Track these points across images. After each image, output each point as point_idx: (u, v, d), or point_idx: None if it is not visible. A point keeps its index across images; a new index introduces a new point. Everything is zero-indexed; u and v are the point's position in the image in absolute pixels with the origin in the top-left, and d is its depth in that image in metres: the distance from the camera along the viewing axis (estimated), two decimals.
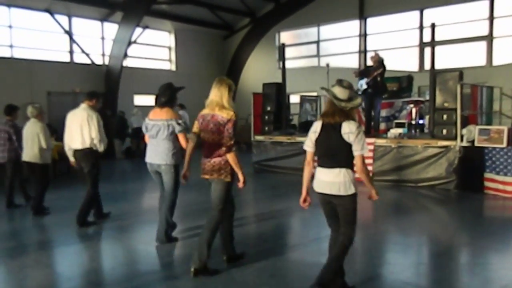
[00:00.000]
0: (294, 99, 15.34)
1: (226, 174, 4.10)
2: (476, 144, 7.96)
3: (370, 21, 16.84)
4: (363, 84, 9.77)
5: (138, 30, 16.50)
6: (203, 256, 4.07)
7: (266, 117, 11.66)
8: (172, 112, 5.01)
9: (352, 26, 17.14)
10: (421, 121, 10.93)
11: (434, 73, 8.91)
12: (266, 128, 11.53)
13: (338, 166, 3.42)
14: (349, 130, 3.36)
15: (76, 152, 6.03)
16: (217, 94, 4.10)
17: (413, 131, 10.38)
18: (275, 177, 10.22)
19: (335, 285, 3.59)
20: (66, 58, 15.60)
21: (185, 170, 4.44)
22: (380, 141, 9.22)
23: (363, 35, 16.96)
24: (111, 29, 16.30)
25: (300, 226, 6.53)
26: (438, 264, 4.64)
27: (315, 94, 15.21)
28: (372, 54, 10.05)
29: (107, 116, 14.60)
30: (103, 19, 16.39)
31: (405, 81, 11.70)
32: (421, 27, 15.28)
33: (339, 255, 3.52)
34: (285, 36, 18.92)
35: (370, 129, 10.10)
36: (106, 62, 16.24)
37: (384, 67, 9.57)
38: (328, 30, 17.99)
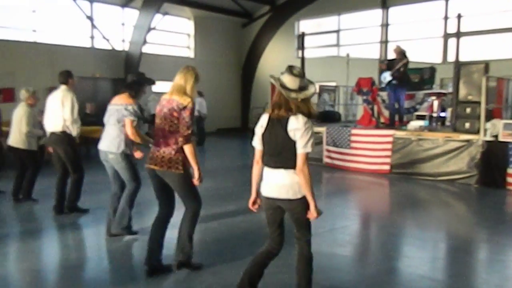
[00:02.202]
0: None
1: (177, 165, 3.65)
2: (500, 138, 7.76)
3: (393, 10, 16.50)
4: (386, 76, 9.75)
5: (158, 16, 16.51)
6: (186, 248, 3.83)
7: None
8: (127, 98, 4.61)
9: (374, 16, 16.82)
10: (442, 114, 10.73)
11: (459, 65, 8.70)
12: None
13: (284, 166, 2.93)
14: (295, 126, 2.86)
15: (50, 136, 5.74)
16: (182, 79, 3.71)
17: (434, 123, 10.21)
18: None
19: None
20: (87, 44, 15.72)
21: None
22: (400, 133, 9.07)
23: (385, 25, 16.65)
24: (132, 15, 16.35)
25: (319, 220, 6.46)
26: (456, 259, 4.56)
27: (333, 84, 15.05)
28: (394, 46, 10.00)
29: None
30: (123, 5, 16.43)
31: (427, 73, 11.47)
32: (445, 18, 14.91)
33: (305, 268, 3.07)
34: (305, 25, 18.69)
35: (394, 122, 10.04)
36: (126, 48, 16.33)
37: (407, 58, 9.57)
38: (349, 19, 17.70)
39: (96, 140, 4.99)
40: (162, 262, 3.92)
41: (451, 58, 13.41)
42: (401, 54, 9.64)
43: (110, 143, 4.60)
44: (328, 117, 12.35)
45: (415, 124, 9.50)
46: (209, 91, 16.13)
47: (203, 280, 3.78)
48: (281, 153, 2.94)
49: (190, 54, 19.00)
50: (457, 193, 7.80)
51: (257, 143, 3.08)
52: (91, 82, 15.18)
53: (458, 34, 9.05)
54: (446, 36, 14.78)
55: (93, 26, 15.73)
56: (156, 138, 3.78)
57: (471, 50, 12.88)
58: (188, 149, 3.65)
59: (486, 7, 14.25)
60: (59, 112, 5.59)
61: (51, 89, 6.89)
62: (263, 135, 3.02)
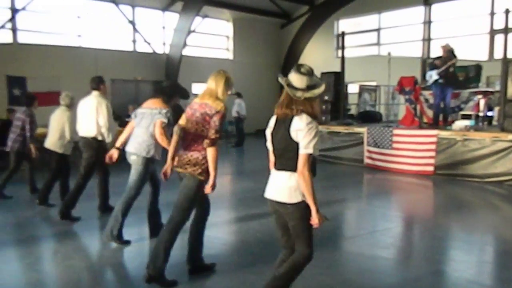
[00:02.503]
0: (353, 88, 15.01)
1: (201, 170, 3.61)
2: None
3: (436, 7, 16.02)
4: (432, 75, 9.52)
5: (198, 19, 16.76)
6: (159, 260, 3.59)
7: (324, 106, 11.51)
8: (162, 103, 4.61)
9: (415, 13, 16.39)
10: (489, 113, 10.34)
11: (507, 62, 8.35)
12: (324, 118, 11.39)
13: (286, 168, 2.81)
14: (298, 126, 2.72)
15: (81, 139, 5.77)
16: (213, 83, 3.69)
17: (480, 123, 9.84)
18: (331, 168, 10.05)
19: None
20: (129, 47, 16.16)
21: (167, 166, 3.83)
22: (444, 133, 8.80)
23: (428, 22, 16.19)
24: (172, 18, 16.68)
25: (357, 217, 6.39)
26: (505, 264, 4.37)
27: (374, 83, 14.81)
28: (443, 44, 9.73)
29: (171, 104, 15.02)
30: (164, 8, 16.79)
31: (472, 71, 11.09)
32: (492, 13, 14.34)
33: (287, 271, 2.87)
34: (344, 24, 18.46)
35: (438, 121, 9.78)
36: (167, 51, 16.67)
37: (456, 57, 9.36)
38: (389, 17, 17.34)
39: None
40: (204, 261, 3.97)
41: (498, 55, 12.90)
42: (450, 52, 9.40)
43: (139, 145, 4.55)
44: (369, 117, 12.17)
45: (460, 123, 9.19)
46: (248, 92, 16.21)
47: (245, 280, 3.80)
48: (283, 155, 2.82)
49: (229, 56, 19.18)
50: (505, 195, 7.48)
51: (269, 144, 2.99)
52: (133, 84, 15.60)
53: (506, 30, 8.70)
54: (493, 32, 14.21)
55: (135, 30, 16.16)
56: (186, 142, 3.73)
57: None
58: (211, 152, 3.58)
59: None
60: (93, 119, 5.60)
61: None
62: (272, 136, 2.93)
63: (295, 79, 2.83)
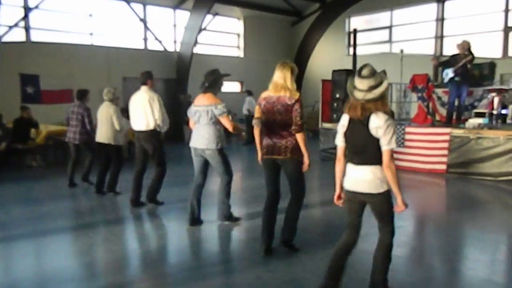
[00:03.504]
0: None
1: (298, 153, 4.17)
2: None
3: (449, 4, 15.85)
4: (449, 72, 9.41)
5: (209, 17, 16.76)
6: (293, 232, 4.37)
7: (335, 104, 11.42)
8: (213, 98, 5.04)
9: (428, 10, 16.22)
10: (503, 111, 10.17)
11: None
12: (335, 116, 11.30)
13: (367, 163, 3.13)
14: (377, 124, 3.03)
15: (139, 133, 6.15)
16: (281, 76, 4.17)
17: (494, 121, 9.71)
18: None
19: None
20: (141, 45, 16.22)
21: (260, 155, 4.42)
22: (457, 132, 8.71)
23: (441, 20, 16.02)
24: (183, 16, 16.71)
25: (369, 216, 6.34)
26: None
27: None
28: (459, 41, 9.60)
29: (179, 100, 15.05)
30: (175, 6, 16.82)
31: (486, 68, 10.94)
32: (506, 10, 14.15)
33: (383, 252, 3.33)
34: (356, 21, 18.35)
35: (451, 119, 9.67)
36: (178, 49, 16.70)
37: (472, 54, 9.24)
38: (402, 14, 17.17)
39: None
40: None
41: None
42: (467, 49, 9.29)
43: (208, 141, 5.00)
44: None
45: (473, 122, 9.09)
46: (259, 90, 16.05)
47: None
48: (365, 151, 3.12)
49: (240, 53, 19.17)
50: None
51: (340, 140, 3.30)
52: None
53: None
54: (507, 29, 14.03)
55: (146, 28, 16.21)
56: (273, 131, 4.22)
57: None
58: (300, 136, 4.12)
59: None
60: (149, 112, 5.98)
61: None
62: (345, 134, 3.23)
63: (358, 82, 3.11)
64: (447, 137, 8.68)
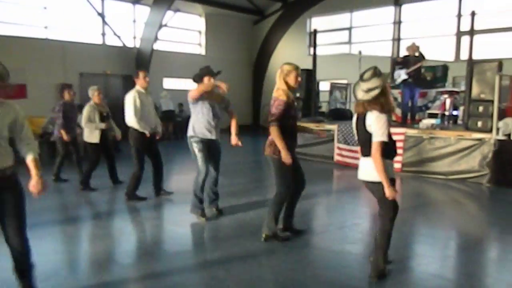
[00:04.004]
0: (324, 86, 15.15)
1: (274, 150, 4.42)
2: None
3: (406, 7, 16.36)
4: (401, 74, 9.73)
5: (169, 13, 16.54)
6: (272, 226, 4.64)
7: (295, 103, 11.53)
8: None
9: (386, 13, 16.69)
10: (455, 112, 10.64)
11: (472, 63, 8.61)
12: None
13: (368, 155, 3.58)
14: (370, 121, 3.50)
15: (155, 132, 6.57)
16: (276, 78, 4.52)
17: (446, 122, 10.12)
18: (302, 164, 10.10)
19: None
20: (99, 40, 15.80)
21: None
22: (411, 132, 9.01)
23: (398, 23, 16.52)
24: (143, 12, 16.41)
25: (326, 213, 6.48)
26: (467, 258, 4.51)
27: (345, 81, 14.98)
28: (409, 44, 9.96)
29: None
30: (135, 1, 16.49)
31: (439, 71, 11.38)
32: (459, 15, 14.75)
33: (381, 239, 3.76)
34: (317, 22, 18.62)
35: (406, 120, 10.00)
36: (137, 45, 16.39)
37: (425, 59, 9.65)
38: (361, 16, 17.58)
39: None
40: (294, 227, 4.92)
41: (464, 56, 13.29)
42: (418, 52, 9.67)
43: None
44: (339, 115, 12.30)
45: (427, 122, 9.43)
46: None
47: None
48: (365, 144, 3.59)
49: (201, 51, 19.04)
50: (468, 192, 7.73)
51: (356, 137, 3.80)
52: (102, 78, 15.25)
53: (472, 32, 8.94)
54: (459, 34, 14.62)
55: (104, 23, 15.80)
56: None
57: (484, 48, 12.71)
58: (272, 131, 4.36)
59: (500, 5, 14.06)
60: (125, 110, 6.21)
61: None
62: (355, 130, 3.71)
63: (359, 84, 3.58)
64: (401, 137, 8.95)
